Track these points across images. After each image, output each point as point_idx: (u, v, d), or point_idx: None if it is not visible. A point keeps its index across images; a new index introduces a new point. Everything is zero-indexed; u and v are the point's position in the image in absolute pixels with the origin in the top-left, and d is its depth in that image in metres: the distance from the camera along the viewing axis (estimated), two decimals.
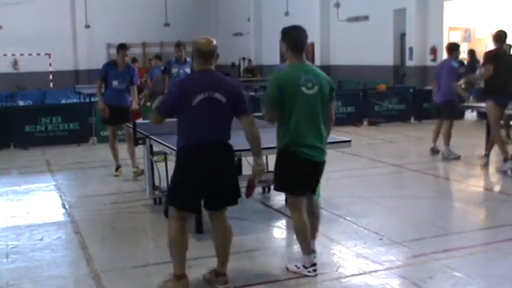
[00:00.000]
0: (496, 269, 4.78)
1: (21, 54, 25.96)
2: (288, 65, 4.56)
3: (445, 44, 16.78)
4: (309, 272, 4.64)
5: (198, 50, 4.30)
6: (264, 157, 6.98)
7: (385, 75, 18.56)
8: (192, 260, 4.71)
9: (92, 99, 14.98)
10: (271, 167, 7.15)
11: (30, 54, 25.87)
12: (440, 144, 9.64)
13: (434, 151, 9.76)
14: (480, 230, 5.88)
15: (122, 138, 9.22)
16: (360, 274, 4.57)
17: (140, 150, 7.59)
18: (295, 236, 4.75)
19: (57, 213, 6.83)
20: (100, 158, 9.32)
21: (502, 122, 8.96)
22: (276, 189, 4.87)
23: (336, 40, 21.83)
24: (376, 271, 4.74)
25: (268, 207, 6.89)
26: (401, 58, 19.01)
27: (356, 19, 19.94)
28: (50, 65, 25.96)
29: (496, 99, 8.33)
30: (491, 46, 12.36)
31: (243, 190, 4.57)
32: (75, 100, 18.44)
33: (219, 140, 4.29)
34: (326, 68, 19.78)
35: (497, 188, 7.89)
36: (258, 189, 7.09)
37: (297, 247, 4.90)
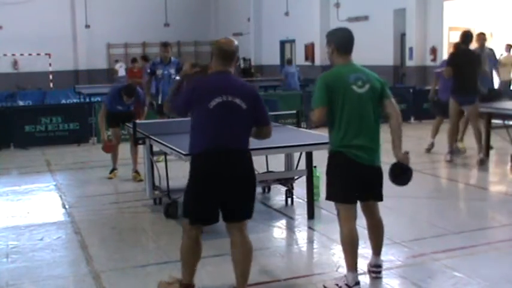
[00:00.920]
0: (496, 269, 4.78)
1: (21, 54, 25.98)
2: (336, 66, 4.37)
3: (445, 44, 16.93)
4: None
5: (219, 49, 4.07)
6: (264, 157, 7.06)
7: (385, 75, 18.40)
8: None
9: (92, 99, 14.93)
10: (272, 167, 7.23)
11: (30, 54, 25.89)
12: (439, 140, 9.67)
13: (430, 147, 9.89)
14: (480, 230, 5.86)
15: (127, 138, 9.12)
16: (360, 274, 4.56)
17: (140, 151, 7.60)
18: (341, 248, 4.41)
19: (57, 213, 6.83)
20: (100, 158, 9.29)
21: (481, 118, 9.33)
22: (325, 198, 4.49)
23: None
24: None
25: (268, 207, 6.89)
26: (401, 58, 19.00)
27: (356, 19, 19.91)
28: (50, 65, 25.97)
29: (455, 97, 8.90)
30: (491, 46, 12.45)
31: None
32: (75, 100, 18.37)
33: (239, 145, 4.00)
34: (326, 68, 19.65)
35: (497, 188, 7.89)
36: (258, 189, 7.09)
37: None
